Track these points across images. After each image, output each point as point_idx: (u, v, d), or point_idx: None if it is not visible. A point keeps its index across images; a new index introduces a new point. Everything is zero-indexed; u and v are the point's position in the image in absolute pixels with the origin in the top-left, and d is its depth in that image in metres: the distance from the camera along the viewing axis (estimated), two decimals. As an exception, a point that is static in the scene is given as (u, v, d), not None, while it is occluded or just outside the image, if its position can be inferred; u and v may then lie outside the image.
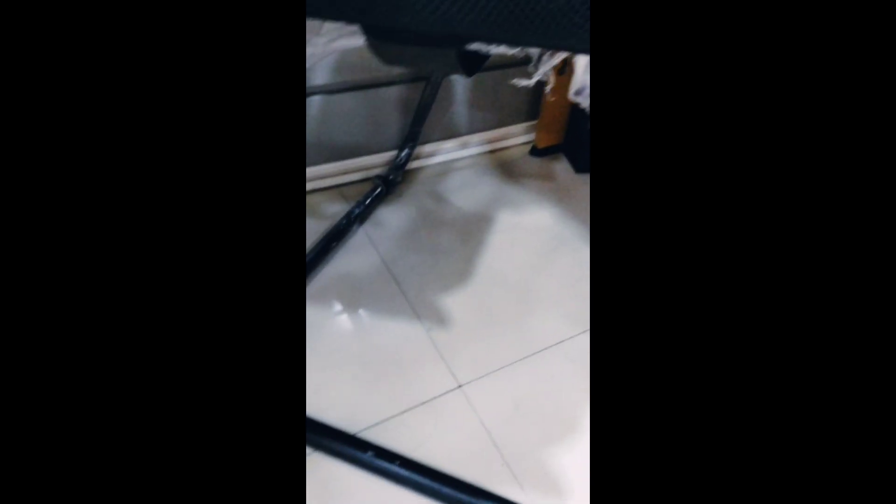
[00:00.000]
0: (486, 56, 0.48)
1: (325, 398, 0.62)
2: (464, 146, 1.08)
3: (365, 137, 0.96)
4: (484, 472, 0.58)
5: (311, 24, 0.78)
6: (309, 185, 0.94)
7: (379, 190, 0.93)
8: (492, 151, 1.10)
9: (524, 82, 0.75)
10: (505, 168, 1.06)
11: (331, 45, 0.81)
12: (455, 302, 0.77)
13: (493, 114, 1.08)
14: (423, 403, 0.64)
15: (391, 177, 0.95)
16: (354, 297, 0.76)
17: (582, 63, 0.84)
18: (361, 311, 0.75)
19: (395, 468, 0.55)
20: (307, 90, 0.85)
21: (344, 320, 0.74)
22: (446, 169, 1.04)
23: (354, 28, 0.46)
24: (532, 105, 1.11)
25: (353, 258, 0.82)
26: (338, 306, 0.75)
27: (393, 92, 0.93)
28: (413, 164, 1.01)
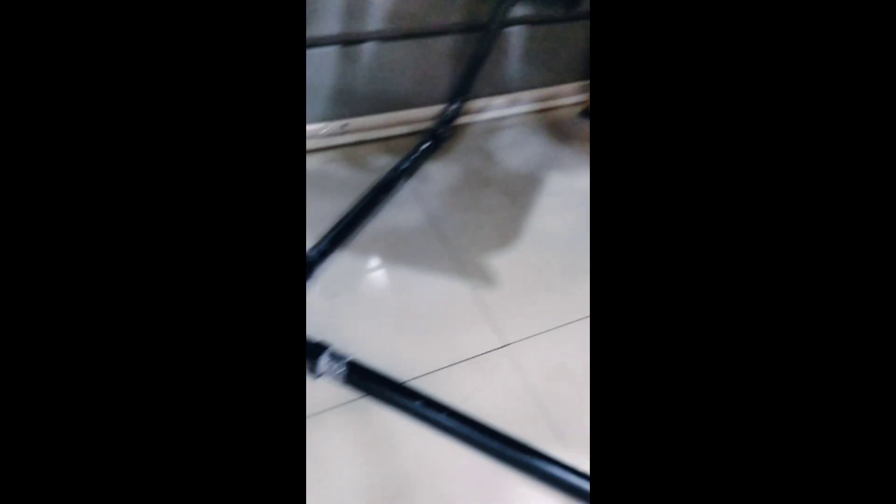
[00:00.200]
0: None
1: (370, 348, 0.62)
2: (514, 103, 1.04)
3: (414, 89, 0.93)
4: (528, 430, 0.58)
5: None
6: (355, 137, 0.92)
7: (427, 144, 0.91)
8: (542, 111, 1.06)
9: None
10: (555, 129, 1.02)
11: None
12: (502, 262, 0.76)
13: (546, 72, 1.03)
14: (468, 360, 0.65)
15: (439, 131, 0.93)
16: (400, 251, 0.76)
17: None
18: (407, 266, 0.74)
19: (442, 419, 0.55)
20: (358, 36, 0.83)
21: (389, 273, 0.73)
22: (495, 126, 1.01)
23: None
24: (587, 65, 1.05)
25: (399, 213, 0.81)
26: (383, 259, 0.75)
27: (446, 43, 0.89)
28: (461, 120, 0.98)
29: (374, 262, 0.75)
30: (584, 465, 0.55)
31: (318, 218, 0.78)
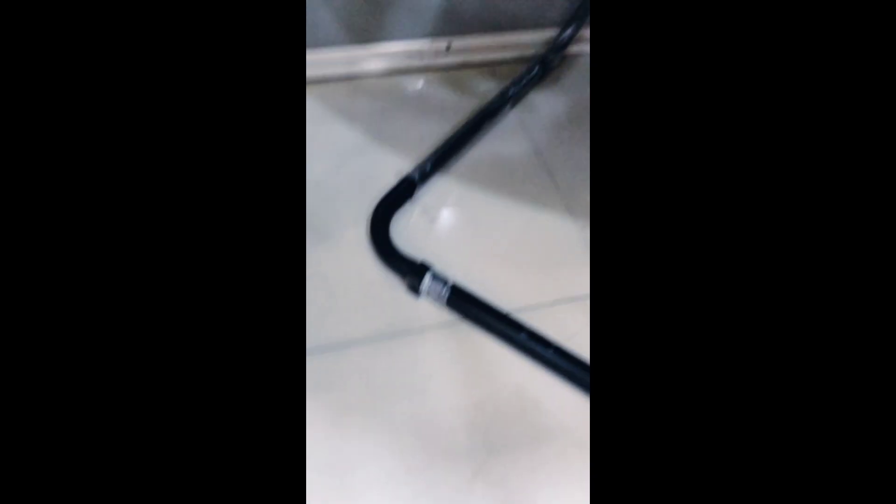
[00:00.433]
0: None
1: (470, 275, 0.60)
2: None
3: (526, 10, 0.85)
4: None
5: None
6: (458, 59, 0.87)
7: (535, 71, 0.85)
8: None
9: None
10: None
11: None
12: (608, 204, 0.71)
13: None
14: (572, 300, 0.62)
15: (549, 59, 0.86)
16: (504, 182, 0.72)
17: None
18: (511, 197, 0.71)
19: (548, 354, 0.53)
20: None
21: (492, 202, 0.70)
22: (610, 59, 0.92)
23: None
24: None
25: (504, 142, 0.77)
26: (486, 188, 0.72)
27: (568, -42, 0.80)
28: (574, 49, 0.90)
29: (477, 189, 0.71)
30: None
31: (418, 140, 0.75)
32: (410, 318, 0.59)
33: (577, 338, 0.58)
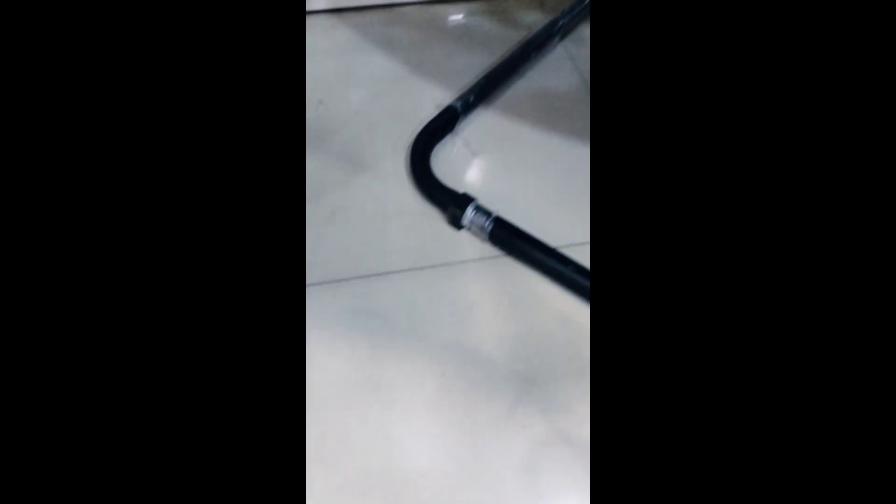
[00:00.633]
0: None
1: (513, 210, 0.58)
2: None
3: (579, -65, 0.79)
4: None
5: None
6: (504, -12, 0.82)
7: (584, 3, 0.79)
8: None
9: None
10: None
11: None
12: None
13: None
14: (619, 238, 0.59)
15: (601, -10, 0.80)
16: (551, 116, 0.68)
17: None
18: (557, 132, 0.67)
19: (596, 288, 0.52)
20: None
21: (538, 137, 0.67)
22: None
23: None
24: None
25: (551, 76, 0.73)
26: (532, 122, 0.68)
27: None
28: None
29: (522, 123, 0.68)
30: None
31: (459, 72, 0.72)
32: (451, 251, 0.57)
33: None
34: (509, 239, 0.55)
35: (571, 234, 0.58)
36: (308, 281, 0.54)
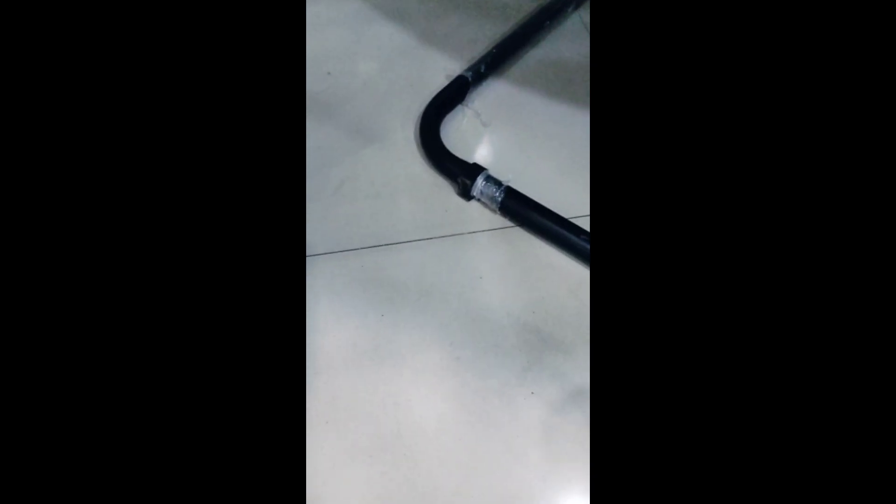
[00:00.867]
0: None
1: (523, 181, 0.57)
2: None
3: None
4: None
5: None
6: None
7: (601, -30, 0.77)
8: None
9: None
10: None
11: None
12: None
13: None
14: (632, 209, 0.58)
15: (618, -44, 0.78)
16: (564, 87, 0.67)
17: None
18: (569, 103, 0.66)
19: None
20: None
21: (550, 108, 0.65)
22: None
23: None
24: None
25: (565, 45, 0.71)
26: (544, 92, 0.67)
27: None
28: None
29: (534, 93, 0.66)
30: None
31: (471, 41, 0.70)
32: (461, 221, 0.57)
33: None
34: (520, 209, 0.55)
35: (582, 205, 0.57)
36: (318, 251, 0.55)
